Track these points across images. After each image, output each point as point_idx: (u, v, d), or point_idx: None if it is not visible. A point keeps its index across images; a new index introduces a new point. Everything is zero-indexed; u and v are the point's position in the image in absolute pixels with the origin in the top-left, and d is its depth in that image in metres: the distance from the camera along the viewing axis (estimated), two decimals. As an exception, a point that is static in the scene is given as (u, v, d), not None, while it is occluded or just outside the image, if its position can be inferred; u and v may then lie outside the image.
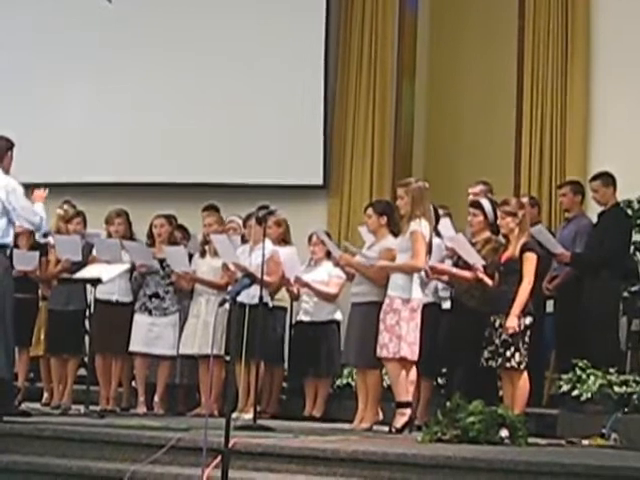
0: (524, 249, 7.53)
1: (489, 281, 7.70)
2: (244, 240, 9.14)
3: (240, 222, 9.32)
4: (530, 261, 7.50)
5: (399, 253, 7.80)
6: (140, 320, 9.02)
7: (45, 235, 9.44)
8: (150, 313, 9.03)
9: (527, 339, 7.45)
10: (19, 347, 9.50)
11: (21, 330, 9.32)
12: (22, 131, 10.83)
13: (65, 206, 9.62)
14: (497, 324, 7.49)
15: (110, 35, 11.66)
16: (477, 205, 8.11)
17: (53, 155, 11.61)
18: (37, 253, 9.34)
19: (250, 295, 7.81)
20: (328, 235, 9.01)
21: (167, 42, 11.55)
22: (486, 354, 7.51)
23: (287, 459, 6.35)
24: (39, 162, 11.31)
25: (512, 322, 7.38)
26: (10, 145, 7.86)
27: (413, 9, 11.58)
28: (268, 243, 8.34)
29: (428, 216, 7.78)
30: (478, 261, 7.74)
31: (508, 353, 7.42)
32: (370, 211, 8.19)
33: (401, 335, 7.59)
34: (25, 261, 9.27)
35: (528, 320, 7.46)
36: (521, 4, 10.64)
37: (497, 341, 7.47)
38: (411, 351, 7.63)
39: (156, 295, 9.06)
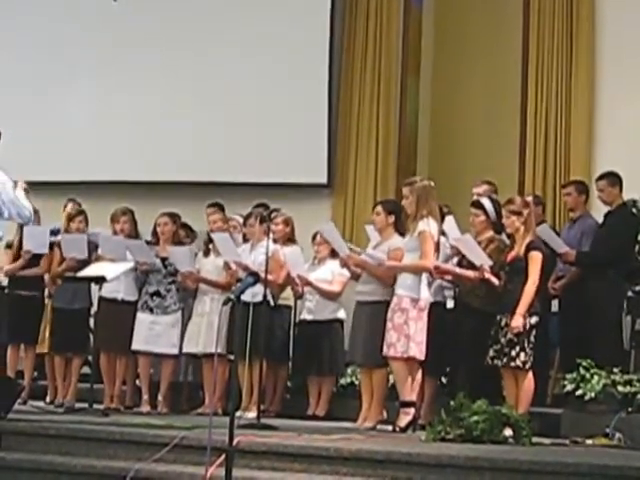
0: (529, 248, 7.51)
1: (496, 281, 7.68)
2: (245, 239, 9.14)
3: (241, 221, 9.31)
4: (535, 260, 7.47)
5: (407, 252, 7.79)
6: (142, 318, 9.01)
7: (54, 233, 9.43)
8: (151, 311, 9.03)
9: (532, 339, 7.42)
10: (25, 345, 9.53)
11: (27, 328, 9.36)
12: (27, 130, 10.95)
13: (69, 204, 9.62)
14: (503, 323, 7.47)
15: (113, 35, 11.65)
16: (478, 205, 8.09)
17: (58, 154, 11.58)
18: (47, 229, 9.26)
19: (253, 293, 7.80)
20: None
21: (169, 42, 11.51)
22: (492, 352, 7.49)
23: (291, 458, 6.36)
24: (44, 161, 11.35)
25: (517, 322, 7.36)
26: None
27: (418, 5, 11.54)
28: (269, 242, 8.32)
29: (435, 215, 7.77)
30: (485, 261, 7.70)
31: (513, 352, 7.40)
32: (379, 208, 8.19)
33: (409, 334, 7.59)
34: (36, 239, 9.13)
35: (534, 319, 7.43)
36: (526, 1, 10.61)
37: (503, 340, 7.45)
38: (419, 351, 7.63)
39: (157, 293, 9.05)
